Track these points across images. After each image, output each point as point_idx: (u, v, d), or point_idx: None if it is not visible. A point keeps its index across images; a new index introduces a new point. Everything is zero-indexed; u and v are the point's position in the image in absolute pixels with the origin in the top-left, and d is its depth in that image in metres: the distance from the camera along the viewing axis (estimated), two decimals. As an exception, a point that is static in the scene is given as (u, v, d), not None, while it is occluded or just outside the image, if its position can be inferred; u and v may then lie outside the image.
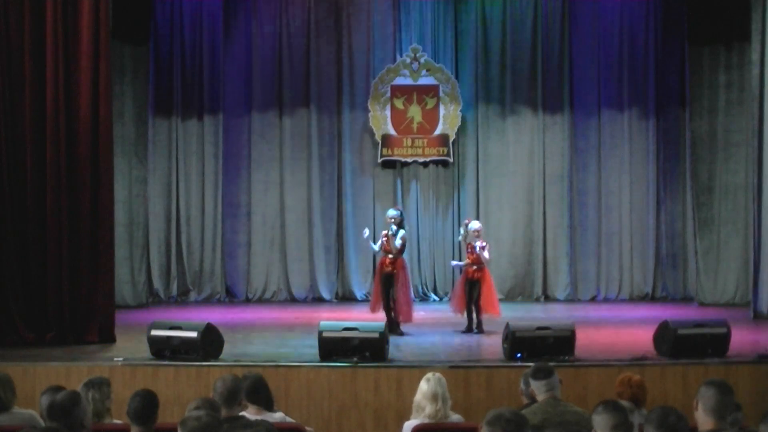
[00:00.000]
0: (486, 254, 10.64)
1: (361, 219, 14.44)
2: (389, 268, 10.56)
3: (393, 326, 10.32)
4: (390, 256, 10.58)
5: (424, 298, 14.32)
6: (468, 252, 10.79)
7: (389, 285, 10.56)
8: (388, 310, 10.59)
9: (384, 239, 10.66)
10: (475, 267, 10.66)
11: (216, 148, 14.53)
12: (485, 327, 10.59)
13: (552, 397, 5.21)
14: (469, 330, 10.62)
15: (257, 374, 5.91)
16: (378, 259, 10.93)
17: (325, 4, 14.58)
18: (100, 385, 5.58)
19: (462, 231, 11.04)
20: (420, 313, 11.59)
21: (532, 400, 5.47)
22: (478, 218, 14.07)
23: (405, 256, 10.94)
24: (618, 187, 14.54)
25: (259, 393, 5.70)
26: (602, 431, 3.98)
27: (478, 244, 10.60)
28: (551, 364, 6.36)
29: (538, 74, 14.50)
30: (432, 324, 11.21)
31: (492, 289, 10.96)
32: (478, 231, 10.69)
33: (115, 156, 10.70)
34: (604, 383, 7.72)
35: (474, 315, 10.65)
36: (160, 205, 14.49)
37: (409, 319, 10.74)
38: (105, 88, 9.87)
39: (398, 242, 10.55)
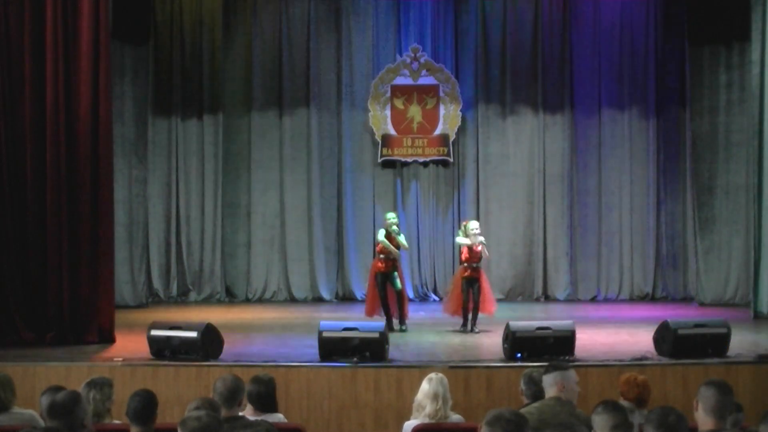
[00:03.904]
0: (486, 251, 10.78)
1: (361, 219, 14.47)
2: (389, 269, 10.68)
3: (400, 320, 10.63)
4: (381, 256, 10.73)
5: (424, 298, 14.34)
6: (466, 251, 10.78)
7: (386, 283, 10.65)
8: (387, 308, 10.68)
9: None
10: (473, 265, 10.68)
11: (216, 148, 14.54)
12: (480, 326, 10.65)
13: (553, 397, 5.17)
14: (465, 327, 10.65)
15: (270, 379, 5.70)
16: (373, 263, 11.03)
17: (325, 4, 14.60)
18: (101, 385, 5.57)
19: (460, 233, 11.04)
20: (420, 313, 11.61)
21: (533, 399, 5.45)
22: (477, 218, 14.16)
23: (404, 253, 11.08)
24: (618, 187, 14.55)
25: (270, 400, 5.65)
26: (602, 431, 3.97)
27: (480, 239, 10.71)
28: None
29: (538, 74, 14.51)
30: (432, 324, 11.21)
31: (488, 287, 11.07)
32: (477, 229, 10.79)
33: (115, 156, 10.71)
34: (604, 383, 7.72)
35: (470, 314, 10.68)
36: (160, 205, 14.49)
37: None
38: (105, 88, 9.86)
39: (404, 240, 10.82)
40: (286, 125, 14.61)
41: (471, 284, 10.64)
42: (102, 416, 5.52)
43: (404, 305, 10.85)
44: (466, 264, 10.71)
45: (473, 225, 10.90)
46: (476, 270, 10.69)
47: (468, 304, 10.65)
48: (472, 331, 10.59)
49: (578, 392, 5.21)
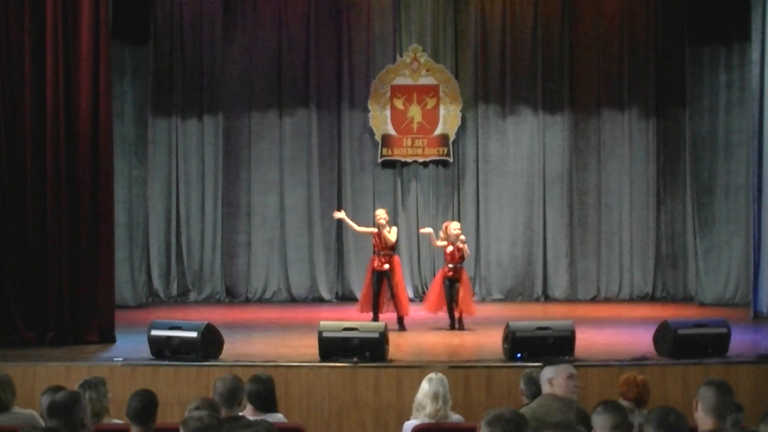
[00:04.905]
0: (466, 249, 11.03)
1: (361, 219, 14.38)
2: (385, 266, 10.77)
3: (398, 321, 10.77)
4: (381, 254, 10.86)
5: (422, 299, 14.32)
6: (447, 252, 10.94)
7: (382, 283, 10.77)
8: (376, 309, 10.80)
9: (374, 236, 10.97)
10: (452, 266, 10.88)
11: (216, 148, 14.54)
12: (477, 326, 10.86)
13: (547, 395, 5.10)
14: (452, 327, 10.82)
15: (268, 378, 5.73)
16: (370, 259, 11.21)
17: (325, 4, 14.59)
18: (96, 385, 5.58)
19: (441, 234, 11.21)
20: (420, 313, 11.63)
21: (532, 399, 5.44)
22: (477, 218, 14.25)
23: (405, 253, 11.18)
24: (618, 187, 14.55)
25: (270, 398, 5.66)
26: (602, 431, 3.97)
27: (462, 237, 10.96)
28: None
29: (538, 74, 14.51)
30: (432, 324, 11.22)
31: (469, 288, 11.32)
32: (459, 230, 11.01)
33: (115, 156, 10.70)
34: (604, 383, 7.72)
35: (454, 313, 10.88)
36: (160, 205, 14.49)
37: (407, 312, 11.03)
38: (105, 88, 9.86)
39: (393, 236, 10.88)
40: (286, 125, 14.60)
41: (452, 284, 10.79)
42: (100, 415, 5.53)
43: (400, 306, 10.87)
44: (451, 265, 10.83)
45: (455, 226, 11.11)
46: (457, 270, 10.88)
47: (452, 303, 10.80)
48: (460, 328, 10.80)
49: (575, 387, 5.10)
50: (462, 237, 10.95)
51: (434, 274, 14.48)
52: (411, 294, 13.77)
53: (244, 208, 14.62)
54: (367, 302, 10.96)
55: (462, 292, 10.87)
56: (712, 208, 13.56)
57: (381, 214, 11.08)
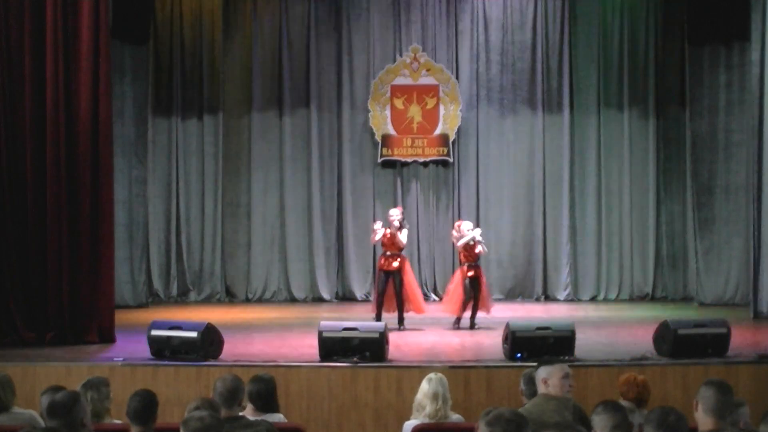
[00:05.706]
0: (484, 247, 11.10)
1: (361, 219, 14.46)
2: (394, 264, 10.77)
3: (398, 321, 10.80)
4: (388, 253, 10.86)
5: (424, 298, 14.30)
6: (464, 252, 10.96)
7: (388, 282, 10.75)
8: (380, 308, 10.79)
9: (385, 236, 10.91)
10: (469, 265, 10.92)
11: (216, 148, 14.54)
12: (479, 325, 10.92)
13: (541, 395, 5.10)
14: (458, 324, 10.87)
15: (270, 378, 5.72)
16: (378, 260, 11.24)
17: (325, 4, 14.59)
18: (98, 385, 5.57)
19: (455, 233, 11.24)
20: (420, 315, 11.64)
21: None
22: (477, 218, 14.23)
23: (405, 254, 11.23)
24: (618, 187, 14.55)
25: (271, 399, 5.65)
26: (602, 431, 3.97)
27: (478, 235, 11.01)
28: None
29: (538, 74, 14.51)
30: (432, 324, 11.22)
31: (486, 287, 11.34)
32: (471, 229, 11.07)
33: (115, 156, 10.71)
34: (604, 383, 7.73)
35: (470, 312, 10.91)
36: (160, 205, 14.49)
37: (423, 310, 11.19)
38: (105, 88, 9.87)
39: (404, 238, 10.89)
40: (286, 125, 14.60)
41: (473, 283, 10.79)
42: (101, 416, 5.52)
43: (415, 306, 10.99)
44: (467, 264, 10.85)
45: (467, 225, 11.13)
46: (478, 268, 10.97)
47: (468, 302, 10.81)
48: (472, 327, 10.78)
49: (570, 386, 5.09)
50: (477, 237, 10.96)
51: (434, 275, 14.55)
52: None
53: (244, 208, 14.63)
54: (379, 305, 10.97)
55: (483, 290, 10.96)
56: (712, 208, 13.56)
57: (396, 215, 11.04)
